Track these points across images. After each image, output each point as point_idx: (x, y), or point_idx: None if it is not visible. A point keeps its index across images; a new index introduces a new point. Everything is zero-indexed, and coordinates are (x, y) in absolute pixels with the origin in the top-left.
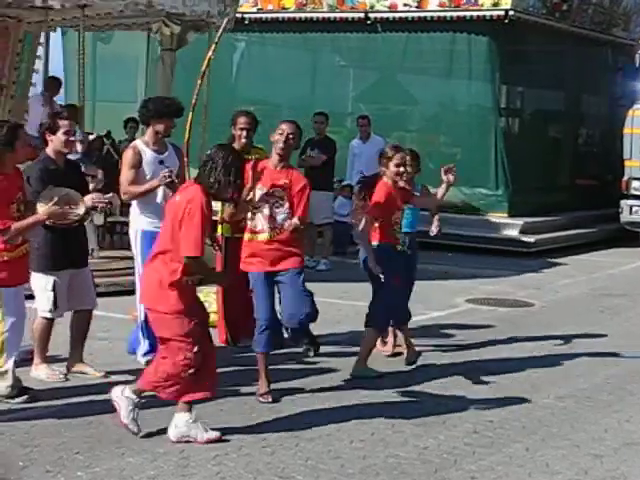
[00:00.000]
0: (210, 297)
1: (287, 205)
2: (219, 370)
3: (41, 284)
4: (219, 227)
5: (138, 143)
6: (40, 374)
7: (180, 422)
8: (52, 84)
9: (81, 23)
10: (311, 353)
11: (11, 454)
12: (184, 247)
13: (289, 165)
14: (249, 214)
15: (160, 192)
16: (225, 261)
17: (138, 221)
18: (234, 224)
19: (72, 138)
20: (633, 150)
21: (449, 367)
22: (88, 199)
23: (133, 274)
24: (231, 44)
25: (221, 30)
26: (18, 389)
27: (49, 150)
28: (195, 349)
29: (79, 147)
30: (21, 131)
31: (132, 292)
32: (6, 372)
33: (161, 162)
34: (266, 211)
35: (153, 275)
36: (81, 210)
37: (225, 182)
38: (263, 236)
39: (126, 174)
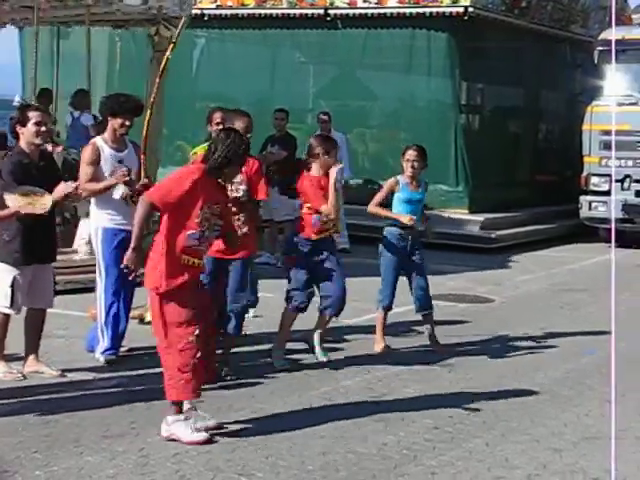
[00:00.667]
0: None
1: (245, 187)
2: None
3: (1, 277)
4: None
5: (97, 140)
6: None
7: (170, 420)
8: (45, 95)
9: (87, 20)
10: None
11: None
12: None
13: None
14: None
15: (120, 189)
16: None
17: (98, 218)
18: None
19: (43, 128)
20: (592, 146)
21: (408, 363)
22: (55, 194)
23: (93, 271)
24: (191, 40)
25: (179, 29)
26: None
27: (22, 143)
28: (196, 332)
29: (92, 131)
30: None
31: (91, 290)
32: None
33: (120, 161)
34: None
35: (153, 258)
36: (47, 202)
37: (225, 159)
38: None
39: (84, 170)
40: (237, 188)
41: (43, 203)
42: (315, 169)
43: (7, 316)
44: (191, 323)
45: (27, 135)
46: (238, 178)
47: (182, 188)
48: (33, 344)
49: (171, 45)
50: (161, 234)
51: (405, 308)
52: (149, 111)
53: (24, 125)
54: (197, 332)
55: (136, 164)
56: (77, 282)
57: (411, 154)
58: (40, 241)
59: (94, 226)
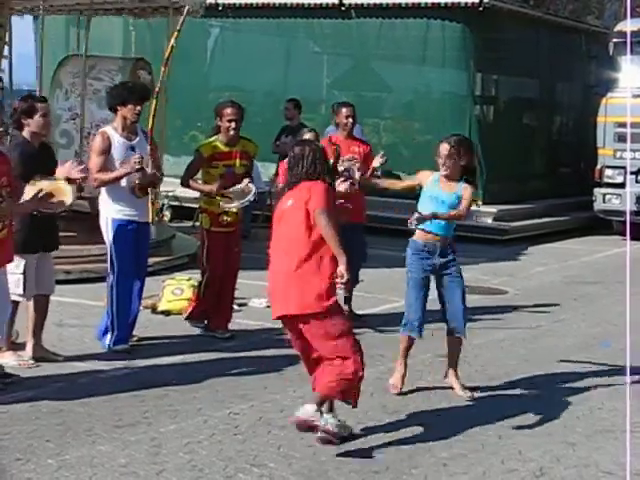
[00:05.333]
0: (183, 284)
1: (359, 165)
2: (191, 358)
3: (13, 266)
4: (200, 217)
5: (107, 129)
6: (8, 361)
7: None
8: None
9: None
10: None
11: None
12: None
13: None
14: None
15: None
16: (207, 253)
17: (108, 209)
18: (214, 217)
19: (49, 119)
20: (606, 138)
21: (422, 354)
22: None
23: (105, 261)
24: (205, 30)
25: (183, 18)
26: None
27: (25, 133)
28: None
29: None
30: None
31: (104, 279)
32: None
33: (132, 148)
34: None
35: (310, 280)
36: (68, 201)
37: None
38: None
39: (95, 160)
40: (352, 167)
41: (65, 198)
42: None
43: (16, 304)
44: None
45: (33, 126)
46: (350, 156)
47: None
48: (39, 330)
49: (175, 33)
50: (317, 254)
51: None
52: (154, 101)
53: (31, 116)
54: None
55: (147, 152)
56: (91, 271)
57: (441, 150)
58: (45, 229)
59: (104, 217)
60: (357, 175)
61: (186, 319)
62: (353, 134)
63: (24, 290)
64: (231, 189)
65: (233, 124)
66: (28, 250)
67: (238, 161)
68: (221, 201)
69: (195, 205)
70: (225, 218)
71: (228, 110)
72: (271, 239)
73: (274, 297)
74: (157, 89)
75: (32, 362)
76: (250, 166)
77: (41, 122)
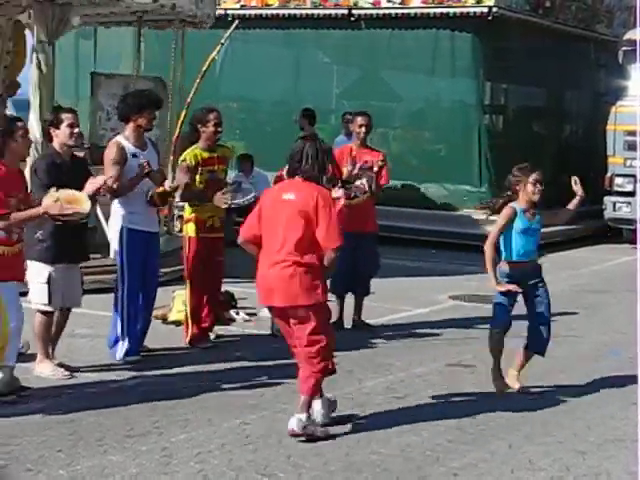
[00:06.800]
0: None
1: (372, 174)
2: (200, 368)
3: (36, 275)
4: (185, 227)
5: (120, 139)
6: (44, 371)
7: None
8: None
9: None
10: None
11: None
12: (332, 240)
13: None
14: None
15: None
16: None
17: (120, 219)
18: (200, 223)
19: (76, 130)
20: (616, 147)
21: (432, 363)
22: (88, 187)
23: (116, 271)
24: (214, 41)
25: (230, 31)
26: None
27: (55, 144)
28: None
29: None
30: (20, 124)
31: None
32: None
33: (134, 156)
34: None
35: (308, 275)
36: (85, 208)
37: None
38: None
39: (111, 171)
40: (364, 173)
41: (82, 207)
42: None
43: (49, 314)
44: None
45: (61, 137)
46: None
47: None
48: (54, 342)
49: (218, 46)
50: (313, 251)
51: (428, 309)
52: (184, 112)
53: (57, 127)
54: None
55: (156, 163)
56: (102, 282)
57: (537, 177)
58: (72, 240)
59: (117, 227)
60: (365, 183)
61: (190, 344)
62: (367, 143)
63: (49, 300)
64: (225, 189)
65: (219, 127)
66: (53, 260)
67: (219, 166)
68: (223, 197)
69: None
70: (211, 223)
71: (212, 115)
72: (261, 220)
73: (267, 288)
74: (189, 100)
75: (67, 373)
76: (226, 171)
77: (67, 132)
